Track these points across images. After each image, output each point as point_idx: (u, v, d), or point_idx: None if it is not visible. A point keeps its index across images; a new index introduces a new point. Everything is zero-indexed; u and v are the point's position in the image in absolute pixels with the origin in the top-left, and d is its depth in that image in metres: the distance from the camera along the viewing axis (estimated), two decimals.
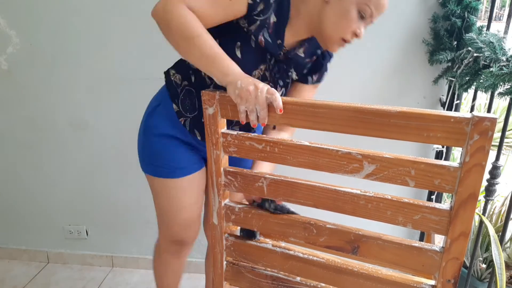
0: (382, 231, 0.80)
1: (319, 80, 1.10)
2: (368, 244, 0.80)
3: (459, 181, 0.68)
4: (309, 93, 1.13)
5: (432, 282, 0.78)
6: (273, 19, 0.94)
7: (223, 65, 0.86)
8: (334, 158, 0.76)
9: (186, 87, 1.06)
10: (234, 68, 0.86)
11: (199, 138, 1.09)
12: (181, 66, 1.07)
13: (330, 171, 0.78)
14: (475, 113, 0.64)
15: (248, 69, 0.93)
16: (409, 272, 0.83)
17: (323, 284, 0.90)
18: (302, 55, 1.02)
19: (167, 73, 1.09)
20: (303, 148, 0.79)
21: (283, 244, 0.94)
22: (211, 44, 0.87)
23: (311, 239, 0.85)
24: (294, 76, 1.06)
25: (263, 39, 0.95)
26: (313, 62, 1.07)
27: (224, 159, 0.88)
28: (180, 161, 1.11)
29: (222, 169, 0.88)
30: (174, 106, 1.07)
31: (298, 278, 0.92)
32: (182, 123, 1.07)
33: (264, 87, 0.81)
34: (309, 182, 0.82)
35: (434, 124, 0.67)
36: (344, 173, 0.77)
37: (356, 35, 0.92)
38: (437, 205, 0.73)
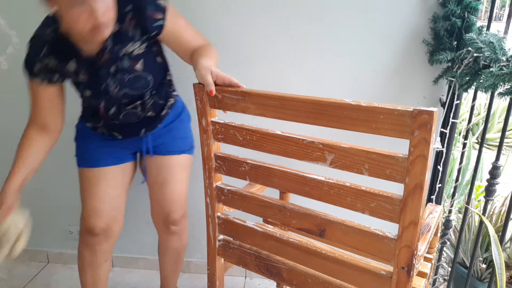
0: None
1: (163, 13, 1.05)
2: (333, 228, 0.85)
3: (406, 171, 0.71)
4: (176, 27, 1.09)
5: (391, 269, 0.81)
6: (55, 61, 1.06)
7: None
8: (301, 146, 0.82)
9: (85, 106, 1.22)
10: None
11: (120, 137, 1.21)
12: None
13: (298, 158, 0.83)
14: (417, 106, 0.67)
15: (101, 92, 1.09)
16: (371, 258, 0.86)
17: (298, 265, 0.96)
18: (119, 27, 1.02)
19: None
20: (275, 137, 0.85)
21: (269, 226, 1.02)
22: None
23: (285, 220, 0.92)
24: (154, 34, 1.06)
25: (83, 76, 1.08)
26: (135, 19, 1.03)
27: (215, 145, 0.96)
28: (94, 153, 1.24)
29: (212, 154, 0.96)
30: (88, 124, 1.24)
31: (278, 257, 0.99)
32: (100, 133, 1.22)
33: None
34: (282, 168, 0.88)
35: (380, 116, 0.70)
36: (310, 160, 0.82)
37: None
38: (390, 194, 0.76)
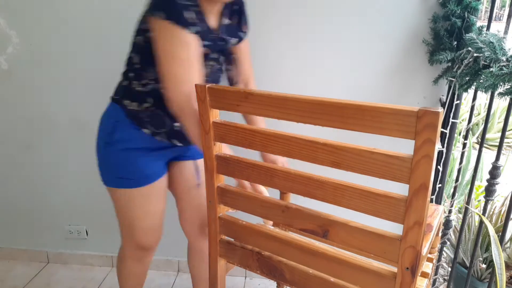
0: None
1: (247, 29, 1.17)
2: (337, 229, 0.84)
3: (411, 171, 0.70)
4: (246, 47, 1.20)
5: (395, 269, 0.81)
6: (196, 15, 0.96)
7: None
8: (304, 146, 0.81)
9: (149, 108, 1.08)
10: None
11: (180, 144, 1.14)
12: (134, 94, 1.08)
13: (301, 159, 0.82)
14: (422, 106, 0.66)
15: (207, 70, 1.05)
16: (374, 259, 0.86)
17: (301, 265, 0.96)
18: (229, 21, 1.08)
19: (121, 104, 1.11)
20: (278, 137, 0.84)
21: (270, 226, 1.02)
22: None
23: (288, 221, 0.91)
24: (235, 42, 1.12)
25: (203, 47, 0.99)
26: (236, 21, 1.13)
27: (216, 146, 0.95)
28: (144, 170, 1.13)
29: (214, 155, 0.95)
30: (146, 130, 1.10)
31: (280, 258, 0.98)
32: (159, 139, 1.12)
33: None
34: (285, 168, 0.88)
35: (386, 116, 0.70)
36: (313, 161, 0.81)
37: None
38: (393, 195, 0.75)
